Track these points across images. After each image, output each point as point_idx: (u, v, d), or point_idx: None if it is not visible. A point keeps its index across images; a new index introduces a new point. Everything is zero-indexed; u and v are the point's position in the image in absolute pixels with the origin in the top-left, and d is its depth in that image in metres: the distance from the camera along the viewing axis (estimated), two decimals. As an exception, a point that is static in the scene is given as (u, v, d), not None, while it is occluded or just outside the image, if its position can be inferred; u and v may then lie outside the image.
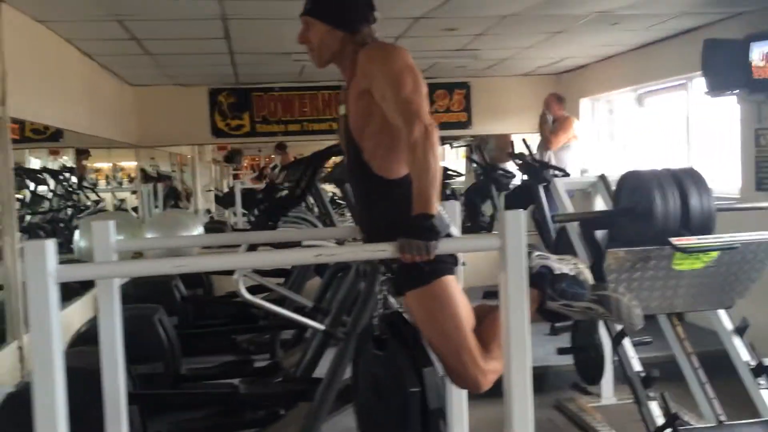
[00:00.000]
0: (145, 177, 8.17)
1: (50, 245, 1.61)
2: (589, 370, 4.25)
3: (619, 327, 2.97)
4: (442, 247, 1.77)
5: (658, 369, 3.30)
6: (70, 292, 4.67)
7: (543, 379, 4.56)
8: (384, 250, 1.74)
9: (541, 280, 2.26)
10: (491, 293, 6.28)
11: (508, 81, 7.31)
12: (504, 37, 5.22)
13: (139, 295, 4.69)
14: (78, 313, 4.41)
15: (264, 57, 5.58)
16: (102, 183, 9.74)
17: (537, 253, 2.36)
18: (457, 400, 2.47)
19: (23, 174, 7.10)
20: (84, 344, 3.72)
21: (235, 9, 3.89)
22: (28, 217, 6.68)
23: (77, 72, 4.97)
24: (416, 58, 6.14)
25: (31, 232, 6.56)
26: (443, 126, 7.38)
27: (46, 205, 7.00)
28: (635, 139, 6.73)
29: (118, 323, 2.21)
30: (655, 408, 3.23)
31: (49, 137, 5.97)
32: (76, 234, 5.66)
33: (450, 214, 2.17)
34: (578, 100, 7.00)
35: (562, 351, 4.26)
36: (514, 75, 7.24)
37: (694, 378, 3.38)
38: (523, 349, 1.78)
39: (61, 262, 1.64)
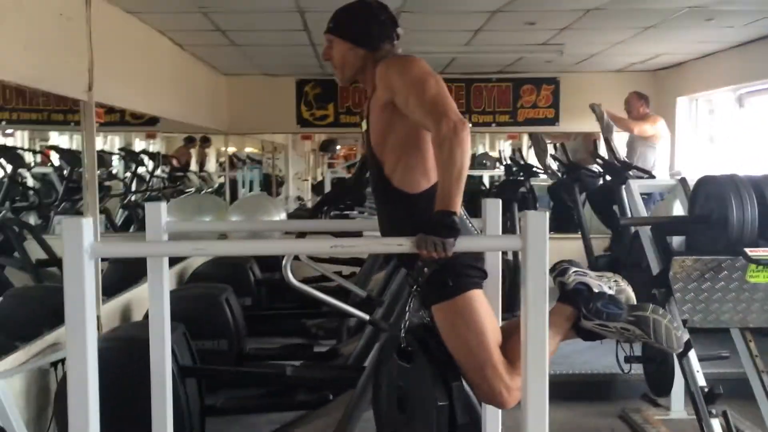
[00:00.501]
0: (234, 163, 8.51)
1: (87, 222, 1.71)
2: (658, 381, 4.07)
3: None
4: (459, 245, 1.76)
5: (726, 385, 3.15)
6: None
7: (609, 386, 4.43)
8: (401, 245, 1.74)
9: (576, 297, 2.19)
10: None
11: (600, 77, 7.06)
12: (590, 31, 5.05)
13: (216, 275, 4.91)
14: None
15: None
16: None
17: (574, 269, 2.28)
18: (492, 416, 2.43)
19: (127, 156, 7.57)
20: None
21: (311, 2, 3.97)
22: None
23: (170, 62, 5.23)
24: (499, 53, 6.03)
25: (131, 209, 6.99)
26: (529, 122, 7.25)
27: (146, 185, 7.44)
28: (735, 142, 6.34)
29: (165, 300, 2.31)
30: (716, 425, 3.07)
31: (146, 122, 6.31)
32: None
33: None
34: (675, 98, 6.67)
35: (629, 359, 4.10)
36: (606, 71, 6.99)
37: (764, 397, 3.18)
38: (541, 356, 1.73)
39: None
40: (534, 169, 7.75)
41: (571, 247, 6.41)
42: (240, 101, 6.95)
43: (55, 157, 6.74)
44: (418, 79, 1.97)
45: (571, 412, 4.17)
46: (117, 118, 5.83)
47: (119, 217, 6.98)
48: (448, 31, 5.06)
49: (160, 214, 2.32)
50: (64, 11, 3.33)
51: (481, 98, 7.17)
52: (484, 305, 2.06)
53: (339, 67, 2.22)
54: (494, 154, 11.48)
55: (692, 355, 3.21)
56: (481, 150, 11.87)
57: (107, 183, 6.87)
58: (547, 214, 1.72)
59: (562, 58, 6.10)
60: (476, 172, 9.69)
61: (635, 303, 2.30)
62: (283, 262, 2.59)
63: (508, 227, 5.75)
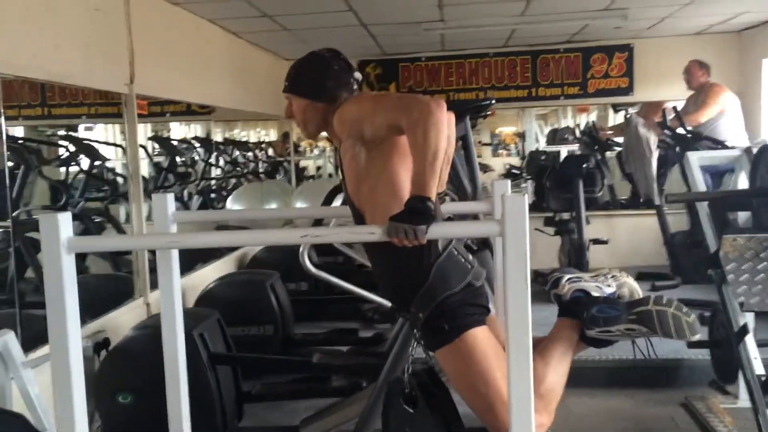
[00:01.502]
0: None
1: (63, 218, 1.73)
2: (724, 367, 3.80)
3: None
4: (433, 232, 1.65)
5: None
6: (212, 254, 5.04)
7: (675, 372, 4.17)
8: (373, 233, 1.66)
9: (576, 306, 2.04)
10: (648, 275, 5.78)
11: (677, 41, 6.60)
12: (653, -8, 4.72)
13: (272, 260, 4.97)
14: (217, 272, 4.70)
15: (395, 27, 5.56)
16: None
17: (567, 276, 2.12)
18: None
19: (203, 144, 7.78)
20: (204, 302, 4.03)
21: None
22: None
23: (224, 50, 5.30)
24: (558, 21, 5.75)
25: (204, 195, 7.19)
26: (600, 93, 6.90)
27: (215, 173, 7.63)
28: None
29: (176, 290, 2.33)
30: (774, 418, 2.82)
31: (209, 112, 6.45)
32: (228, 200, 6.12)
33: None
34: (761, 60, 6.15)
35: (692, 345, 3.83)
36: (683, 35, 6.52)
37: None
38: (525, 351, 1.60)
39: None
40: (609, 142, 7.37)
41: (648, 224, 6.09)
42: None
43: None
44: (376, 98, 1.99)
45: (630, 399, 3.97)
46: (183, 108, 5.98)
47: (195, 203, 7.20)
48: (499, 2, 4.86)
49: (166, 206, 2.34)
50: (100, 6, 3.41)
51: (547, 71, 6.88)
52: (487, 342, 1.94)
53: (302, 124, 2.20)
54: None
55: (749, 339, 2.97)
56: (564, 124, 11.44)
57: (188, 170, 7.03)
58: (526, 197, 1.59)
59: (631, 23, 5.74)
60: (554, 148, 9.35)
61: (640, 295, 2.12)
62: (300, 249, 2.58)
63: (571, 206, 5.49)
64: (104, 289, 3.91)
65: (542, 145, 10.51)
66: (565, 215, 5.79)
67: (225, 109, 5.75)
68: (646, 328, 1.99)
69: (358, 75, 2.20)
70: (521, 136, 11.41)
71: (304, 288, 5.05)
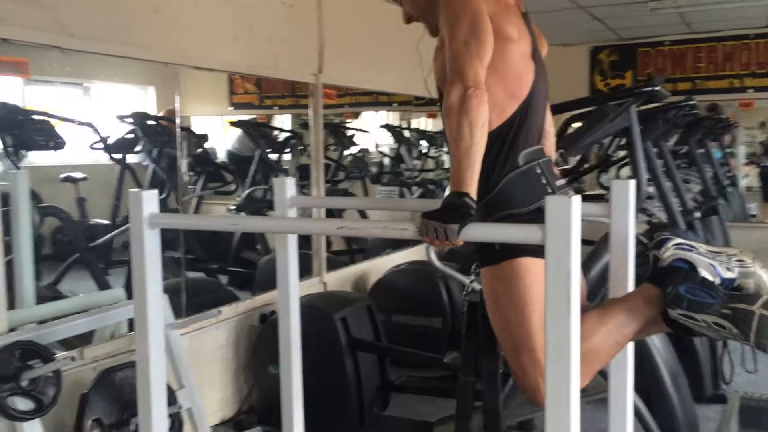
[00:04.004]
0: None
1: (148, 195, 1.86)
2: None
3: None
4: (467, 233, 1.45)
5: None
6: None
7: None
8: (406, 230, 1.51)
9: (669, 277, 1.63)
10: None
11: None
12: None
13: (456, 255, 4.86)
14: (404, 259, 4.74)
15: (619, 9, 5.06)
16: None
17: (678, 241, 1.69)
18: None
19: (423, 135, 7.89)
20: (377, 289, 4.10)
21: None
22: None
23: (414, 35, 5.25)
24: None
25: (424, 186, 7.31)
26: None
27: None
28: None
29: (293, 271, 2.35)
30: None
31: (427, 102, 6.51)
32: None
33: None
34: None
35: None
36: None
37: None
38: (566, 373, 1.35)
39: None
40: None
41: None
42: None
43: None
44: (454, 17, 1.67)
45: None
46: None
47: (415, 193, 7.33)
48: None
49: (285, 189, 2.38)
50: (285, 0, 3.61)
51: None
52: (535, 278, 1.66)
53: (404, 5, 1.99)
54: None
55: None
56: None
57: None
58: (575, 198, 1.32)
59: None
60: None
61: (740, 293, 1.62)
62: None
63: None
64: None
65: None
66: None
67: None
68: (737, 330, 1.53)
69: None
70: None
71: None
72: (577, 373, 1.38)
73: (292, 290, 2.40)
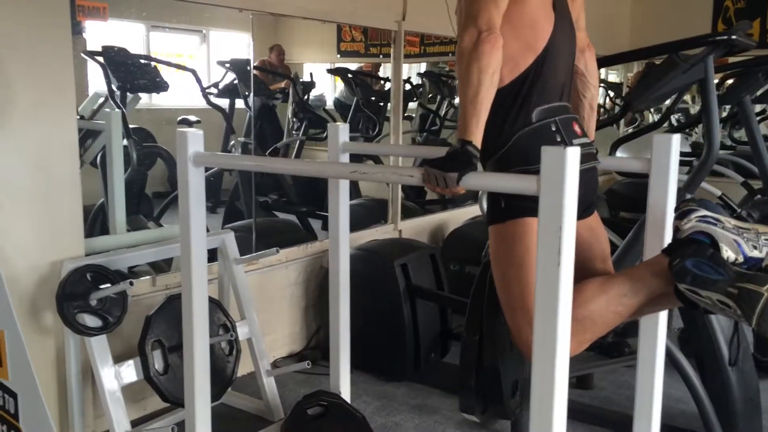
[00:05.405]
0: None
1: (193, 135, 1.97)
2: None
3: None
4: (467, 182, 1.43)
5: None
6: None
7: None
8: (411, 176, 1.51)
9: (680, 249, 1.52)
10: None
11: None
12: None
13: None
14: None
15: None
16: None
17: (702, 213, 1.56)
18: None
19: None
20: (451, 238, 4.11)
21: None
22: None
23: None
24: None
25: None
26: None
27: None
28: None
29: (344, 216, 2.42)
30: None
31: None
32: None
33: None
34: None
35: None
36: None
37: None
38: (553, 326, 1.33)
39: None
40: None
41: None
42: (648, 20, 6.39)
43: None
44: None
45: None
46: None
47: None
48: None
49: (338, 135, 2.44)
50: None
51: None
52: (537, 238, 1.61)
53: None
54: None
55: None
56: None
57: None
58: (573, 150, 1.27)
59: None
60: None
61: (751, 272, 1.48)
62: (480, 194, 2.43)
63: None
64: (370, 212, 4.25)
65: None
66: None
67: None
68: (741, 312, 1.42)
69: None
70: None
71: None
72: (565, 326, 1.36)
73: (342, 234, 2.48)
